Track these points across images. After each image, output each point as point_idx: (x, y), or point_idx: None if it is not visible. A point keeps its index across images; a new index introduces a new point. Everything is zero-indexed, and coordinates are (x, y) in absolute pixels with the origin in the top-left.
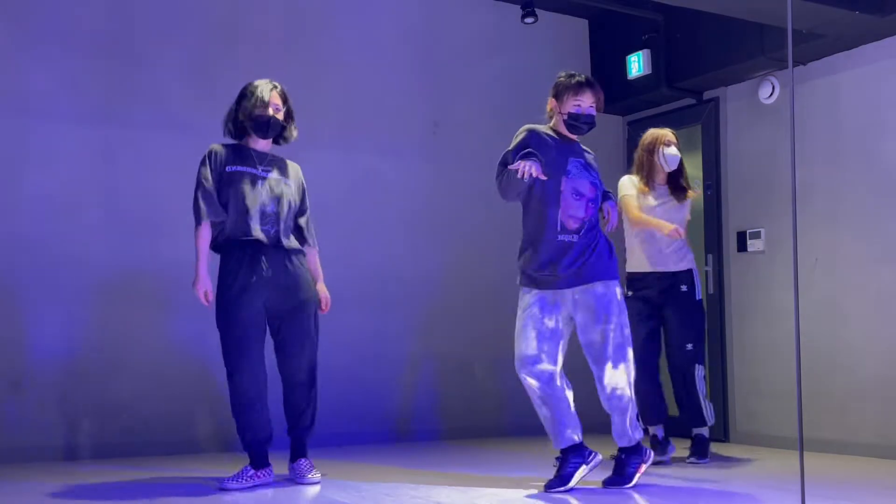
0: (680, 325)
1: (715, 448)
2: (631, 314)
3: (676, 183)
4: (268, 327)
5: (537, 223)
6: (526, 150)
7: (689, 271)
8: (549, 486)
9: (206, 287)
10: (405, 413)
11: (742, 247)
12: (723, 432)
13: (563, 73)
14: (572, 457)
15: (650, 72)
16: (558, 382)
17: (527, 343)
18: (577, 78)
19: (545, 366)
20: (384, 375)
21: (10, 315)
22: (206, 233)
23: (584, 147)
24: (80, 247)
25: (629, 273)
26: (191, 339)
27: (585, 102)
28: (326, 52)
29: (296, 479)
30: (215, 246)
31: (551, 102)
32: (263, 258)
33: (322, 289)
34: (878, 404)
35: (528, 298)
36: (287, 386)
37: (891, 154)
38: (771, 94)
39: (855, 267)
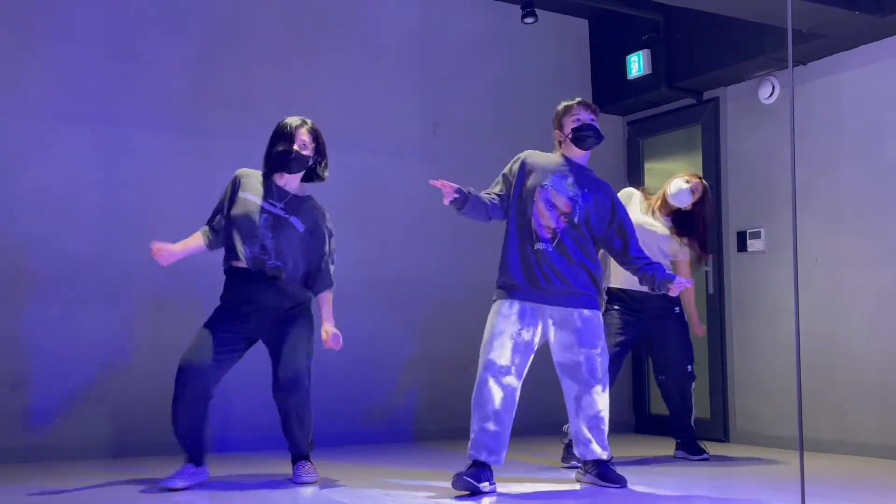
0: (679, 348)
1: (715, 448)
2: (608, 325)
3: (691, 230)
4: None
5: (514, 234)
6: (468, 190)
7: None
8: (460, 481)
9: (167, 248)
10: (405, 413)
11: (742, 247)
12: (723, 432)
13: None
14: (490, 472)
15: (650, 72)
16: (515, 400)
17: (501, 351)
18: (567, 102)
19: (512, 379)
20: (384, 375)
21: (9, 315)
22: (200, 238)
23: (589, 172)
24: (80, 246)
25: (614, 288)
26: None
27: (584, 116)
28: (326, 52)
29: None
30: (224, 270)
31: (556, 135)
32: (254, 287)
33: (328, 329)
34: (878, 404)
35: (506, 306)
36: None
37: (891, 154)
38: (771, 94)
39: (855, 267)
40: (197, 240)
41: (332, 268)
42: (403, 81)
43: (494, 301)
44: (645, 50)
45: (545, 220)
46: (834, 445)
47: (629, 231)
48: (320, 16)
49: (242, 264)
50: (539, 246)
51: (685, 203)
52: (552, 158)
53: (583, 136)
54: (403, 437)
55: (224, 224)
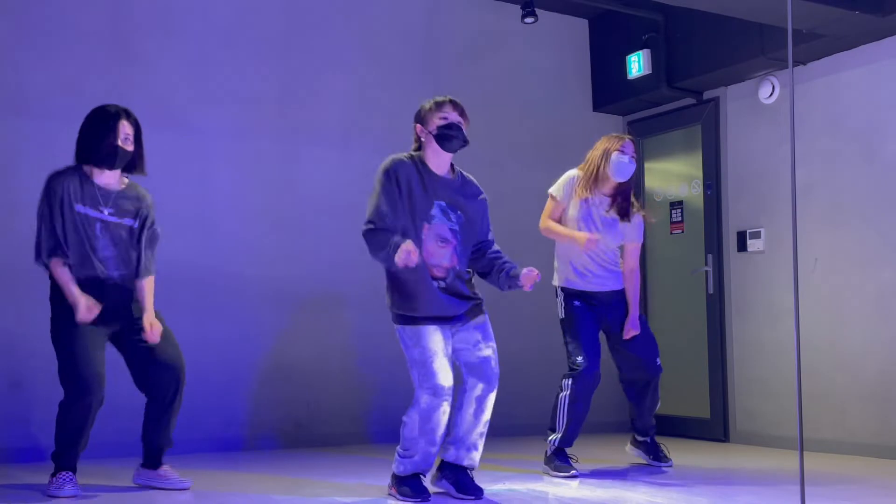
0: (645, 341)
1: (715, 448)
2: (575, 320)
3: (623, 198)
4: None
5: (407, 270)
6: (399, 242)
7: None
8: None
9: (90, 301)
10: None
11: (742, 247)
12: (723, 432)
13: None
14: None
15: (650, 72)
16: None
17: (445, 373)
18: (438, 98)
19: (451, 398)
20: (384, 375)
21: (10, 315)
22: (61, 266)
23: (465, 178)
24: None
25: (565, 287)
26: (191, 339)
27: (452, 115)
28: (326, 51)
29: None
30: (54, 283)
31: (416, 129)
32: (104, 300)
33: (148, 318)
34: (878, 404)
35: (425, 330)
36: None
37: (891, 154)
38: (771, 94)
39: (855, 267)
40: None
41: (150, 255)
42: (403, 81)
43: (405, 325)
44: (645, 50)
45: (437, 258)
46: (834, 445)
47: (488, 228)
48: (320, 16)
49: (93, 278)
50: (437, 284)
51: (631, 172)
52: (422, 176)
53: (448, 135)
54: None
55: (63, 239)
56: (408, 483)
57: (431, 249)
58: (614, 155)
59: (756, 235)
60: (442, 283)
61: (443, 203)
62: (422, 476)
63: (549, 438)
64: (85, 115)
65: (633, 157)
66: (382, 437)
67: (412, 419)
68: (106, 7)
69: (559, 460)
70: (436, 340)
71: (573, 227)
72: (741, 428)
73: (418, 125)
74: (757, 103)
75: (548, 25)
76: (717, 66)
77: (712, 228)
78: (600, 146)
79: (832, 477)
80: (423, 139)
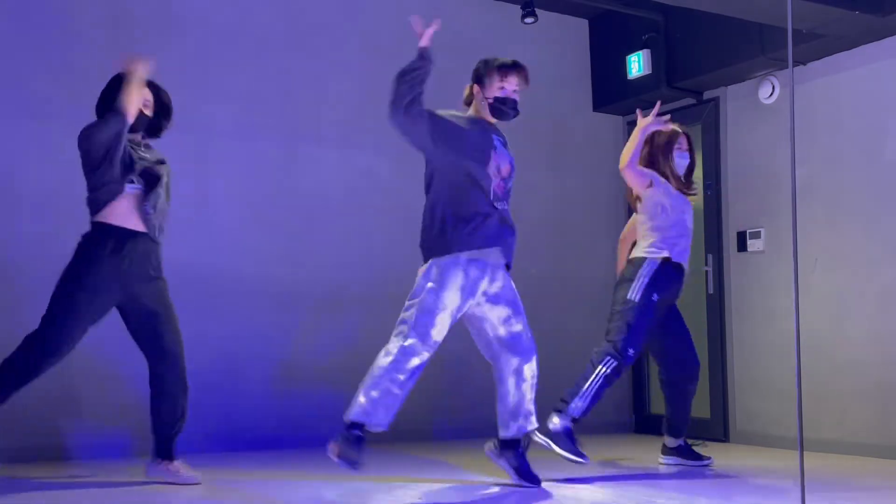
0: (690, 338)
1: (715, 448)
2: (646, 314)
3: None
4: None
5: (473, 196)
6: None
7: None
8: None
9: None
10: (405, 413)
11: (742, 247)
12: (723, 432)
13: (483, 60)
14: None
15: (650, 72)
16: None
17: (441, 329)
18: (502, 60)
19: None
20: None
21: (10, 315)
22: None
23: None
24: None
25: (662, 264)
26: (192, 339)
27: (511, 85)
28: (327, 51)
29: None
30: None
31: (472, 88)
32: (130, 247)
33: None
34: (879, 404)
35: (455, 275)
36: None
37: (891, 154)
38: (771, 94)
39: (855, 267)
40: None
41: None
42: None
43: (440, 258)
44: (645, 50)
45: (495, 185)
46: (834, 445)
47: None
48: (320, 16)
49: (131, 227)
50: (500, 206)
51: (687, 162)
52: (475, 118)
53: (504, 110)
54: (403, 437)
55: (113, 179)
56: (352, 442)
57: (493, 177)
58: (676, 154)
59: (756, 235)
60: (500, 205)
61: (501, 139)
62: (366, 430)
63: (570, 406)
64: (86, 115)
65: (688, 150)
66: (385, 436)
67: (389, 352)
68: (106, 7)
69: (571, 442)
70: (453, 299)
71: (667, 214)
72: (741, 428)
73: (476, 85)
74: (757, 103)
75: (548, 25)
76: (717, 66)
77: (712, 228)
78: (663, 141)
79: (832, 477)
80: (477, 99)
